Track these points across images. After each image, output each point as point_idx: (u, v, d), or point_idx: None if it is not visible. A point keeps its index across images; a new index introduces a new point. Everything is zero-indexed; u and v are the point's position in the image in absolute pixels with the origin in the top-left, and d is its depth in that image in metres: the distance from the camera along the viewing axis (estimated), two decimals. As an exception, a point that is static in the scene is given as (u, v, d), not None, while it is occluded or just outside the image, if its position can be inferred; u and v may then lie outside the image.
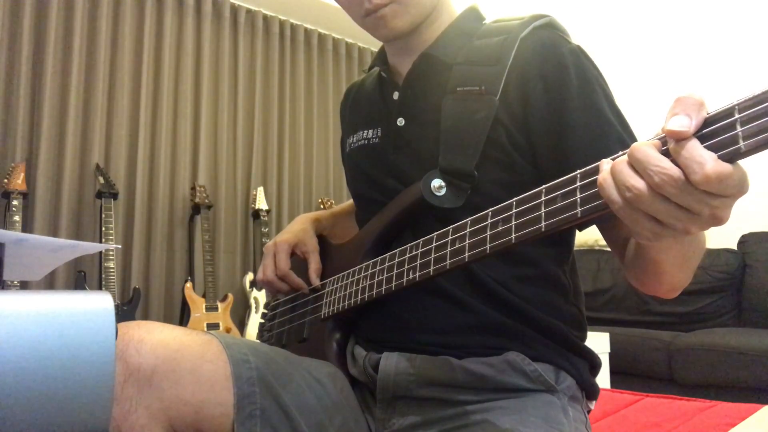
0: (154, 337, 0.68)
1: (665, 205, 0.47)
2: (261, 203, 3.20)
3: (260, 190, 3.24)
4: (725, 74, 3.17)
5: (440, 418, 0.75)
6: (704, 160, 0.44)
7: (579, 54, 0.78)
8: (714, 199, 0.46)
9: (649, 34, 3.54)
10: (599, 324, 2.93)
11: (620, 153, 0.51)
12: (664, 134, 0.47)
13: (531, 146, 0.77)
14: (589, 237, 3.17)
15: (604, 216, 0.54)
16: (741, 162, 0.45)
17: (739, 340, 2.45)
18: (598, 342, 2.50)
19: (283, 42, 3.53)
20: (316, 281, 0.94)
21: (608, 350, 2.56)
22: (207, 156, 3.16)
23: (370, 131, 0.91)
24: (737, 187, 0.45)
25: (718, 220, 0.48)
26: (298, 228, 1.02)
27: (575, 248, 0.87)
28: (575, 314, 0.82)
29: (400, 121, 0.86)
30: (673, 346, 2.60)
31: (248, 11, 3.41)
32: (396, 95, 0.87)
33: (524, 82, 0.77)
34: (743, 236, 2.97)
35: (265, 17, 3.47)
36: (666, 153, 0.47)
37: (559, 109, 0.75)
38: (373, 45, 3.96)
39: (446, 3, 0.88)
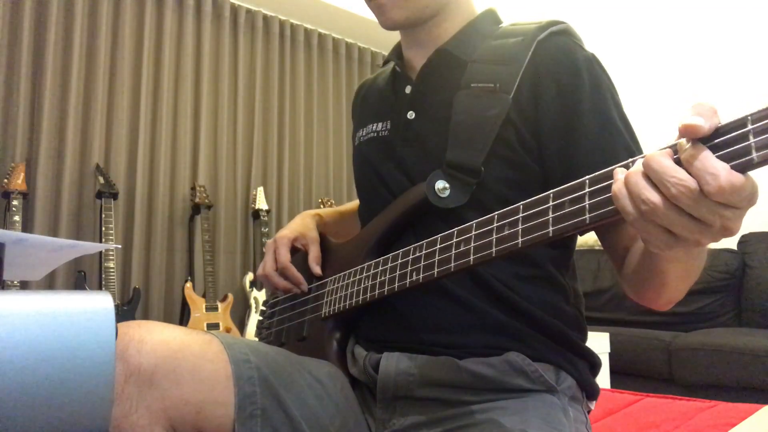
0: (154, 336, 0.68)
1: (680, 217, 0.47)
2: (261, 203, 3.20)
3: (260, 190, 3.24)
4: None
5: (441, 418, 0.75)
6: (717, 171, 0.44)
7: (593, 62, 0.79)
8: (726, 209, 0.46)
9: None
10: (599, 324, 2.93)
11: (631, 160, 0.51)
12: (673, 144, 0.48)
13: (540, 147, 0.78)
14: (590, 237, 3.17)
15: (612, 222, 0.54)
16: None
17: (739, 340, 2.45)
18: (598, 342, 2.50)
19: (283, 42, 3.53)
20: (316, 269, 0.94)
21: (608, 350, 2.56)
22: (207, 156, 3.16)
23: (380, 124, 0.92)
24: (748, 198, 0.45)
25: (728, 232, 0.48)
26: (299, 222, 1.02)
27: (575, 248, 0.88)
28: (575, 315, 0.83)
29: (411, 115, 0.86)
30: (673, 346, 2.60)
31: (248, 11, 3.41)
32: (408, 89, 0.88)
33: (538, 83, 0.78)
34: (743, 236, 2.97)
35: (265, 17, 3.47)
36: (677, 163, 0.47)
37: (570, 112, 0.76)
38: (374, 45, 3.96)
39: (464, 2, 0.90)
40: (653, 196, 0.47)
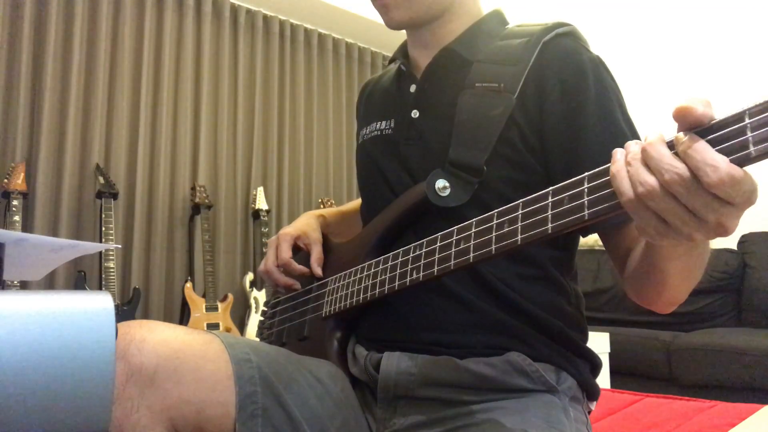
0: (155, 336, 0.68)
1: (674, 205, 0.47)
2: (261, 203, 3.20)
3: (260, 190, 3.24)
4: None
5: (442, 418, 0.75)
6: (717, 163, 0.44)
7: (598, 64, 0.80)
8: (723, 205, 0.46)
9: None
10: (599, 324, 2.93)
11: (630, 143, 0.51)
12: (670, 140, 0.48)
13: (543, 148, 0.78)
14: (589, 237, 3.17)
15: (610, 220, 0.54)
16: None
17: (739, 340, 2.45)
18: (598, 342, 2.50)
19: (283, 42, 3.53)
20: (317, 270, 0.94)
21: (608, 350, 2.56)
22: (207, 156, 3.16)
23: (384, 122, 0.92)
24: (746, 195, 0.45)
25: (723, 230, 0.48)
26: (303, 222, 1.03)
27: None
28: (576, 316, 0.83)
29: (415, 113, 0.86)
30: (673, 346, 2.60)
31: (248, 11, 3.41)
32: (413, 88, 0.89)
33: (542, 84, 0.78)
34: (743, 236, 2.97)
35: (265, 17, 3.47)
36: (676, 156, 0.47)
37: (575, 113, 0.76)
38: (374, 45, 3.96)
39: (471, 2, 0.90)
40: (651, 179, 0.48)
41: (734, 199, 0.45)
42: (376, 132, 0.92)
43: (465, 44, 0.86)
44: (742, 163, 0.44)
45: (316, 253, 0.96)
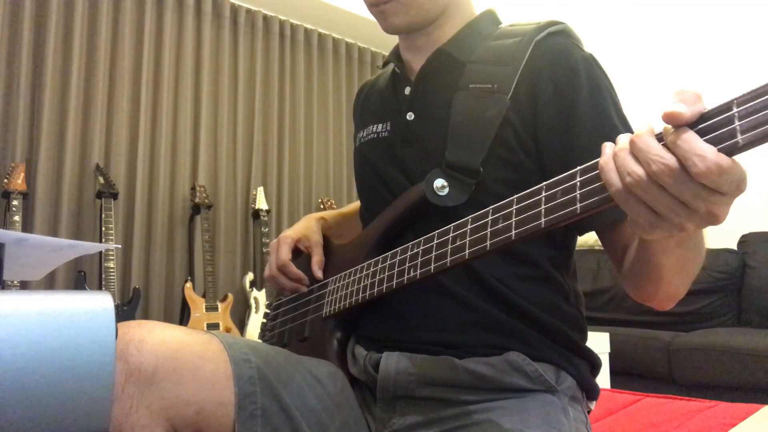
0: (154, 336, 0.68)
1: (662, 195, 0.48)
2: (261, 203, 3.20)
3: (260, 190, 3.24)
4: (725, 77, 3.17)
5: (441, 418, 0.75)
6: (704, 152, 0.45)
7: (591, 62, 0.79)
8: (712, 194, 0.46)
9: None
10: (599, 324, 2.93)
11: (621, 136, 0.52)
12: (659, 133, 0.48)
13: (537, 147, 0.78)
14: (590, 237, 3.16)
15: (605, 216, 0.54)
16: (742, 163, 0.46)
17: (739, 340, 2.45)
18: (598, 342, 2.50)
19: (283, 42, 3.53)
20: (318, 273, 0.94)
21: (608, 350, 2.56)
22: (207, 156, 3.16)
23: (380, 125, 0.92)
24: (735, 184, 0.45)
25: (714, 218, 0.48)
26: (304, 225, 1.03)
27: (575, 248, 0.88)
28: (576, 316, 0.83)
29: (410, 116, 0.86)
30: (673, 346, 2.60)
31: (248, 11, 3.41)
32: (407, 90, 0.89)
33: (535, 83, 0.78)
34: (743, 236, 2.97)
35: (265, 17, 3.47)
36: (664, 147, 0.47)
37: (568, 112, 0.76)
38: (373, 45, 3.96)
39: (464, 4, 0.90)
40: (638, 168, 0.48)
41: (722, 188, 0.45)
42: (372, 135, 0.93)
43: (458, 45, 0.86)
44: (730, 152, 0.45)
45: (317, 256, 0.97)
